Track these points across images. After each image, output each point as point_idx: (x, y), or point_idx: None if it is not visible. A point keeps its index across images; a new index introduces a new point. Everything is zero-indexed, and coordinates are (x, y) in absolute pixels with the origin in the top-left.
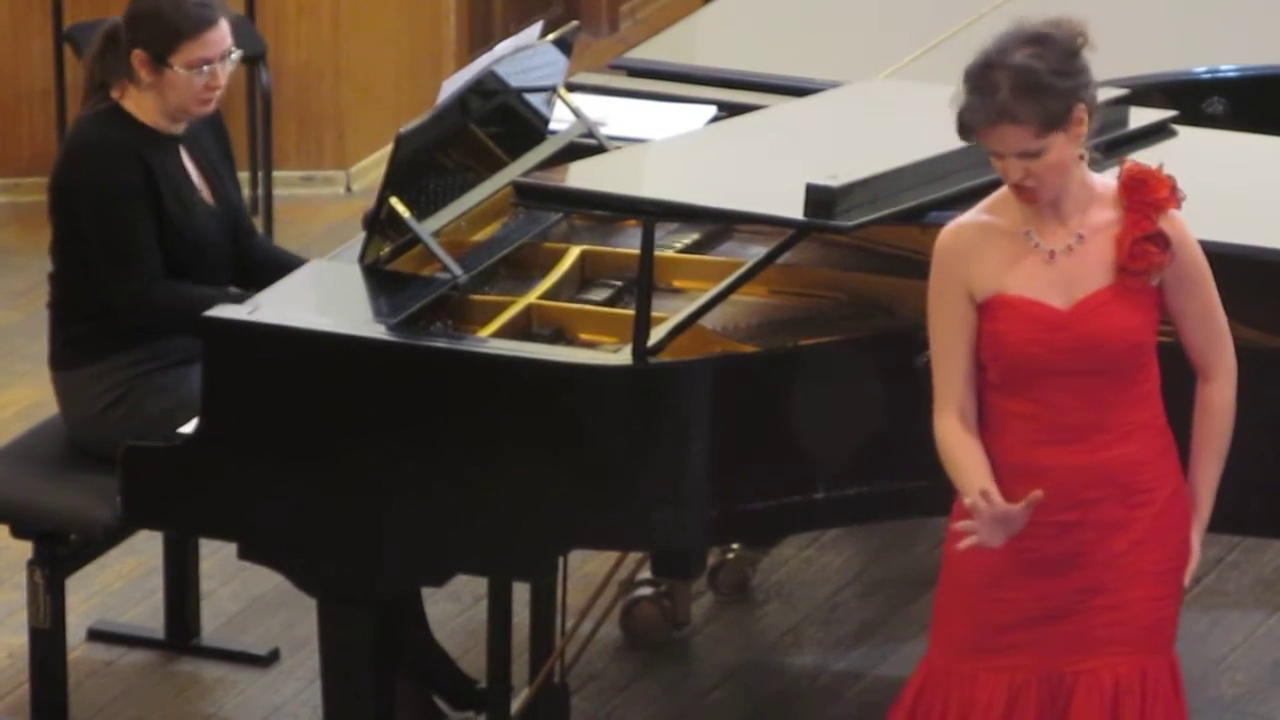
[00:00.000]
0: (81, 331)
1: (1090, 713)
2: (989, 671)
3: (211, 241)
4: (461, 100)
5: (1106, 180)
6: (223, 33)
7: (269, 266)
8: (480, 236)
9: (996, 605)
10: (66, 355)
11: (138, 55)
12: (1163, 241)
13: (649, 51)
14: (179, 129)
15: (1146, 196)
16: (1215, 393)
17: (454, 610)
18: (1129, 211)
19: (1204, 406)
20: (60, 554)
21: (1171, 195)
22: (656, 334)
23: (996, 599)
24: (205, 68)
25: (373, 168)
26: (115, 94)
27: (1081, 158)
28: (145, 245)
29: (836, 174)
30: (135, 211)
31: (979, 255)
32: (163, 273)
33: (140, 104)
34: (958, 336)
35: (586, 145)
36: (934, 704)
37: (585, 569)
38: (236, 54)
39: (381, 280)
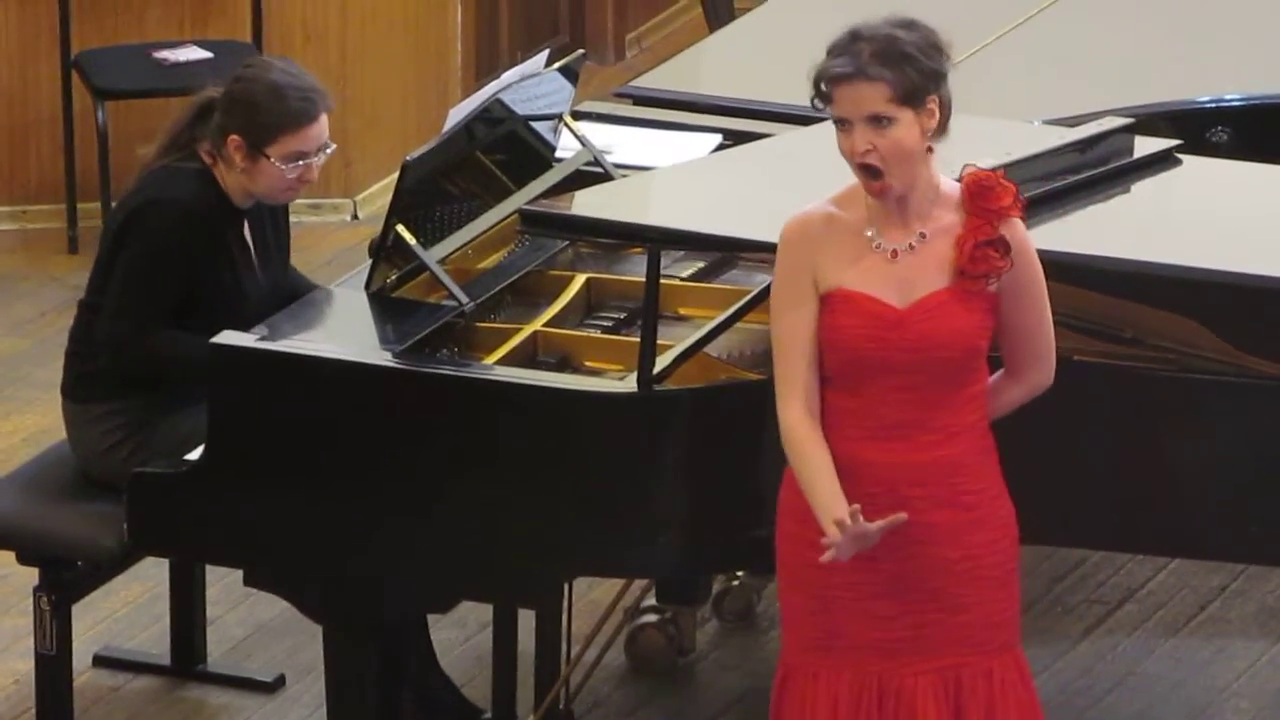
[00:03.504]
0: (98, 367)
1: (933, 715)
2: (830, 670)
3: (250, 313)
4: (468, 128)
5: (951, 183)
6: (321, 127)
7: (293, 297)
8: (486, 264)
9: (834, 605)
10: (79, 389)
11: (233, 140)
12: (1003, 247)
13: (654, 80)
14: (250, 204)
15: (990, 204)
16: (1012, 390)
17: (459, 637)
18: (971, 216)
19: (995, 391)
20: (66, 580)
21: (1015, 203)
22: (661, 361)
23: (832, 597)
24: (300, 161)
25: (379, 195)
26: (206, 160)
27: (930, 150)
28: (160, 306)
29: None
30: (172, 277)
31: (824, 246)
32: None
33: (225, 179)
34: (804, 326)
35: (592, 173)
36: (784, 702)
37: (591, 596)
38: (331, 147)
39: (388, 307)
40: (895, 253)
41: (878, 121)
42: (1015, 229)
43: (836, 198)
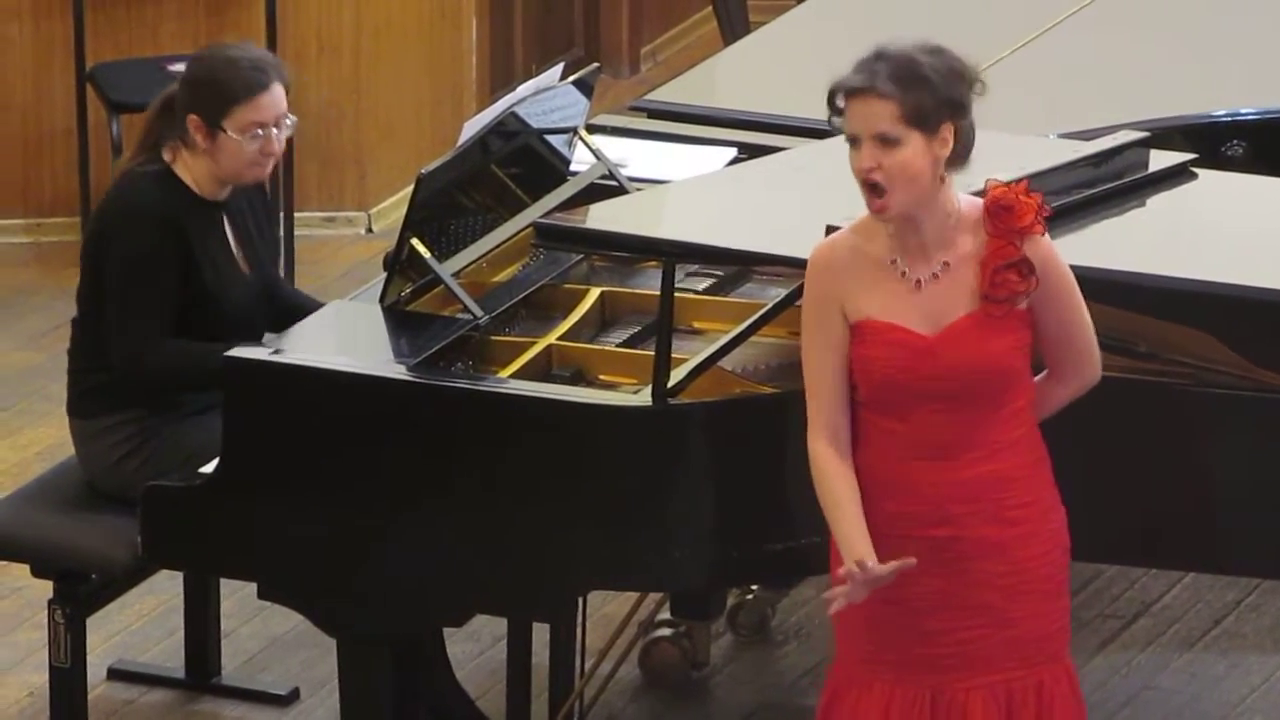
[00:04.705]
0: (99, 381)
1: None
2: (883, 684)
3: (243, 309)
4: (482, 141)
5: (974, 203)
6: (276, 97)
7: (291, 313)
8: (501, 277)
9: (882, 620)
10: (84, 404)
11: (192, 120)
12: (1025, 268)
13: (669, 93)
14: (224, 195)
15: (1011, 224)
16: (1058, 391)
17: (473, 651)
18: (993, 238)
19: (1041, 393)
20: (81, 593)
21: (1036, 221)
22: (676, 375)
23: (882, 615)
24: (259, 131)
25: (394, 208)
26: (167, 156)
27: (943, 179)
28: (159, 313)
29: (855, 216)
30: (159, 280)
31: (850, 276)
32: (170, 337)
33: (191, 169)
34: (832, 355)
35: (607, 186)
36: (836, 716)
37: (605, 609)
38: (292, 120)
39: (402, 321)
40: (919, 282)
41: (885, 140)
42: (1039, 244)
43: (858, 226)
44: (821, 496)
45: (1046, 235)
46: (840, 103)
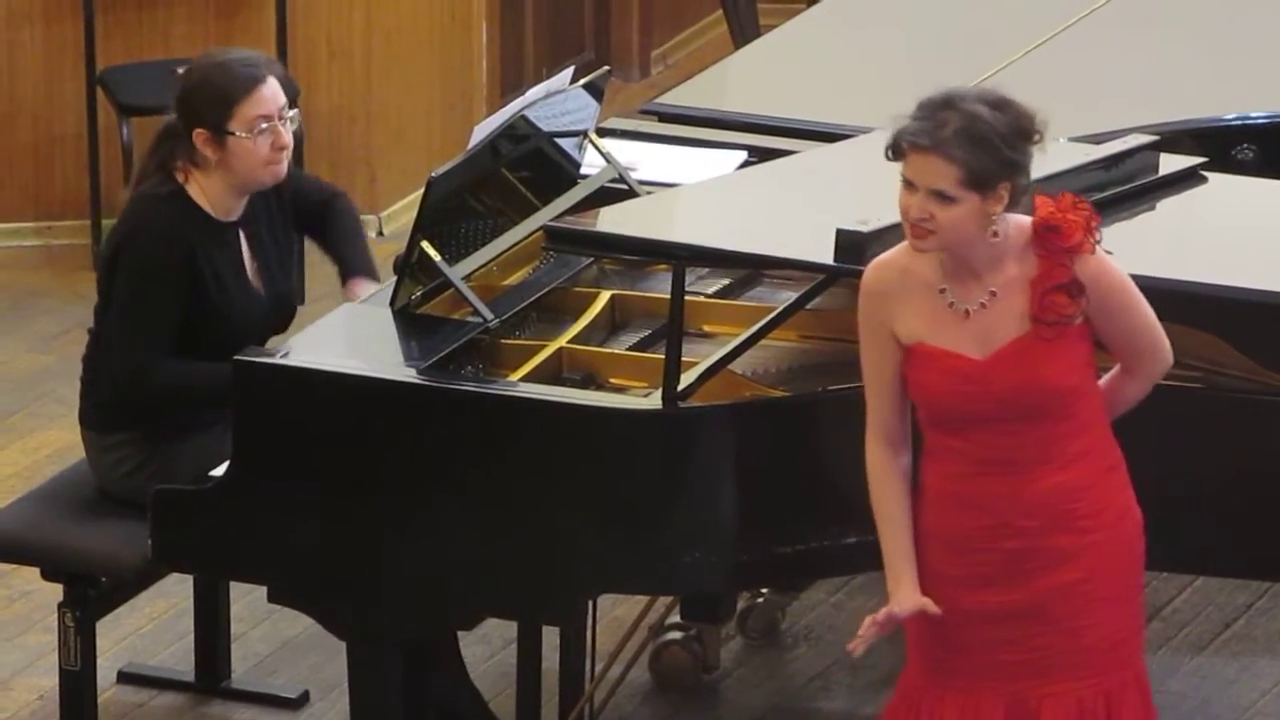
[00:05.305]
0: (113, 396)
1: None
2: (955, 692)
3: (254, 328)
4: (493, 144)
5: (1023, 223)
6: (273, 89)
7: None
8: (511, 280)
9: (955, 630)
10: (95, 416)
11: (199, 135)
12: (1075, 289)
13: (680, 96)
14: (238, 214)
15: (1059, 244)
16: (1130, 385)
17: (484, 654)
18: (1042, 260)
19: (1114, 389)
20: (91, 596)
21: (1085, 238)
22: (686, 378)
23: (954, 624)
24: (264, 125)
25: (404, 211)
26: (180, 178)
27: (996, 235)
28: (163, 330)
29: (866, 219)
30: (164, 298)
31: (900, 300)
32: (174, 354)
33: (205, 189)
34: (885, 370)
35: (617, 190)
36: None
37: (615, 613)
38: (294, 112)
39: (413, 324)
40: (968, 312)
41: (942, 197)
42: (1089, 261)
43: (909, 246)
44: (872, 500)
45: (1099, 249)
46: (902, 147)
